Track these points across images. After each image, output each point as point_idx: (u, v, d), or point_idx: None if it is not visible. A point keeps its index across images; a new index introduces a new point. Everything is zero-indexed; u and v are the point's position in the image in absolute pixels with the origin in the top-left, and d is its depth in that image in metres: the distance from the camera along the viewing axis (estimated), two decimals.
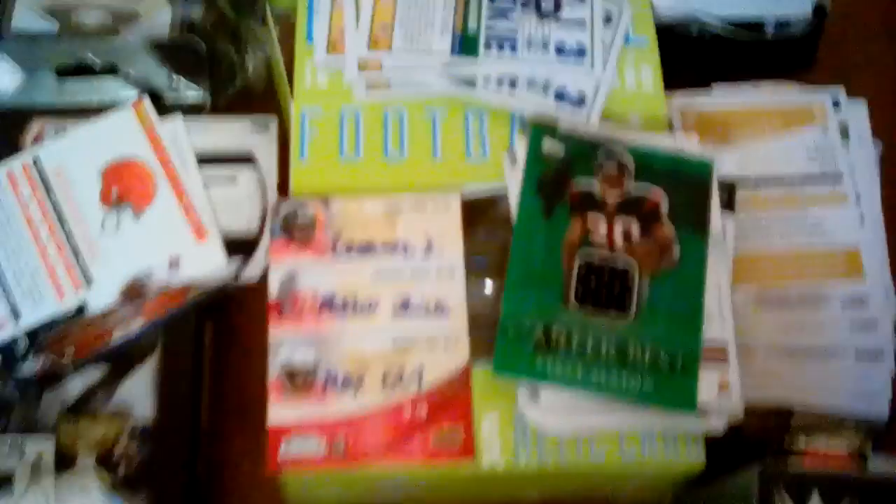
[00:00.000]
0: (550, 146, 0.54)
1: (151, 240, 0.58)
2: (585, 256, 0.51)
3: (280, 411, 0.50)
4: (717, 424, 0.50)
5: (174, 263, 0.58)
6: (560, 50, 0.57)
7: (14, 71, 0.62)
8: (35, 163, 0.59)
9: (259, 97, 0.63)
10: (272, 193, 0.59)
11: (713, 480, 0.51)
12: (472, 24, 0.57)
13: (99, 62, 0.61)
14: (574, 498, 0.55)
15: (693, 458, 0.50)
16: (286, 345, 0.51)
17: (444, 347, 0.51)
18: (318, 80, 0.57)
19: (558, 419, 0.49)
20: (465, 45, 0.57)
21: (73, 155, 0.60)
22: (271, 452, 0.49)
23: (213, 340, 0.59)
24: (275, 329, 0.51)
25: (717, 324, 0.51)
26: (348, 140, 0.55)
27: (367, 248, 0.53)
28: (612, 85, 0.57)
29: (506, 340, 0.50)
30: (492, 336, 0.50)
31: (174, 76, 0.61)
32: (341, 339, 0.51)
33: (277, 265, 0.52)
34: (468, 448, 0.50)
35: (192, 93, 0.62)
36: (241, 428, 0.59)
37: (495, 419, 0.50)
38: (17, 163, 0.60)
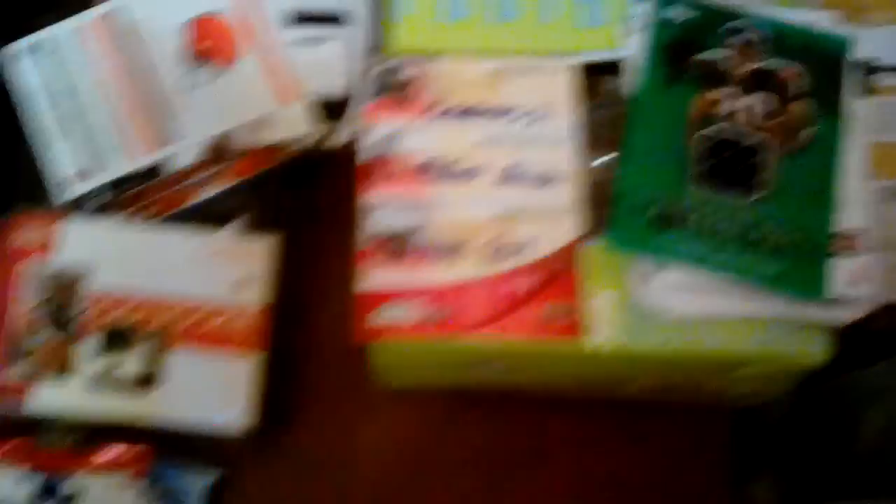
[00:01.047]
0: (678, 12, 0.50)
1: (234, 100, 0.56)
2: (711, 131, 0.48)
3: (373, 277, 0.47)
4: (845, 316, 0.47)
5: (257, 125, 0.55)
6: None
7: None
8: (109, 17, 0.57)
9: None
10: (365, 55, 0.56)
11: (835, 376, 0.48)
12: None
13: None
14: (682, 391, 0.52)
15: (818, 349, 0.47)
16: (380, 209, 0.48)
17: (551, 220, 0.48)
18: None
19: (675, 299, 0.47)
20: None
21: (153, 9, 0.57)
22: (362, 320, 0.47)
23: (294, 209, 0.57)
24: (368, 193, 0.49)
25: (851, 211, 0.48)
26: (454, 2, 0.52)
27: (470, 112, 0.50)
28: None
29: (622, 215, 0.47)
30: (603, 211, 0.48)
31: None
32: (440, 206, 0.48)
33: (372, 126, 0.50)
34: (576, 326, 0.47)
35: None
36: (322, 302, 0.57)
37: (606, 297, 0.47)
38: (88, 19, 0.57)
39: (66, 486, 0.54)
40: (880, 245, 0.48)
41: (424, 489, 0.56)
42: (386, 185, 0.49)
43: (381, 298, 0.47)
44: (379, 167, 0.49)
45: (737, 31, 0.50)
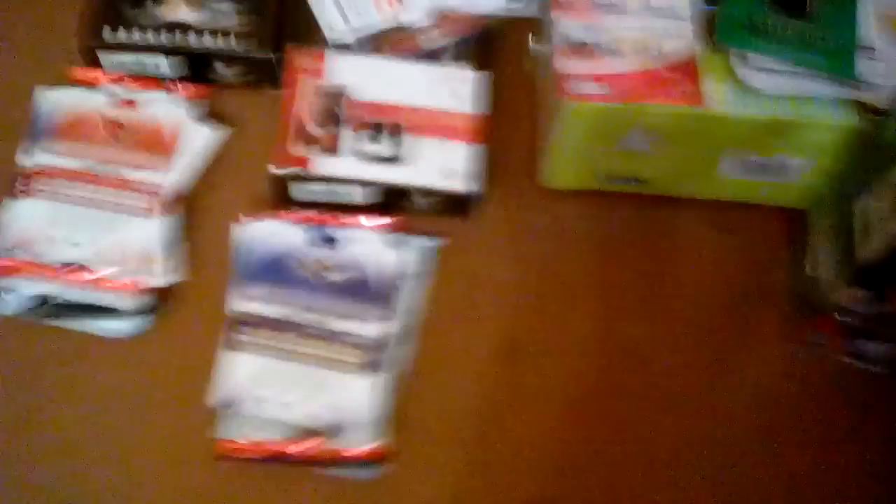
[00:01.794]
0: None
1: None
2: None
3: (565, 63, 0.74)
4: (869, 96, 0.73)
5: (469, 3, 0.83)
6: None
7: None
8: None
9: None
10: None
11: None
12: None
13: None
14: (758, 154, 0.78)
15: (851, 119, 0.73)
16: (566, 26, 0.76)
17: (677, 34, 0.75)
18: None
19: (760, 79, 0.73)
20: None
21: None
22: (561, 91, 0.73)
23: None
24: (556, 13, 0.76)
25: (866, 30, 0.75)
26: None
27: None
28: None
29: (725, 26, 0.74)
30: (711, 28, 0.75)
31: None
32: (606, 27, 0.75)
33: None
34: (699, 97, 0.74)
35: None
36: (513, 119, 0.83)
37: (718, 79, 0.74)
38: None
39: (336, 233, 0.79)
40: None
41: None
42: (568, 10, 0.76)
43: (571, 77, 0.74)
44: (561, 5, 0.76)
45: None
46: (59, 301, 0.77)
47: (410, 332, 0.76)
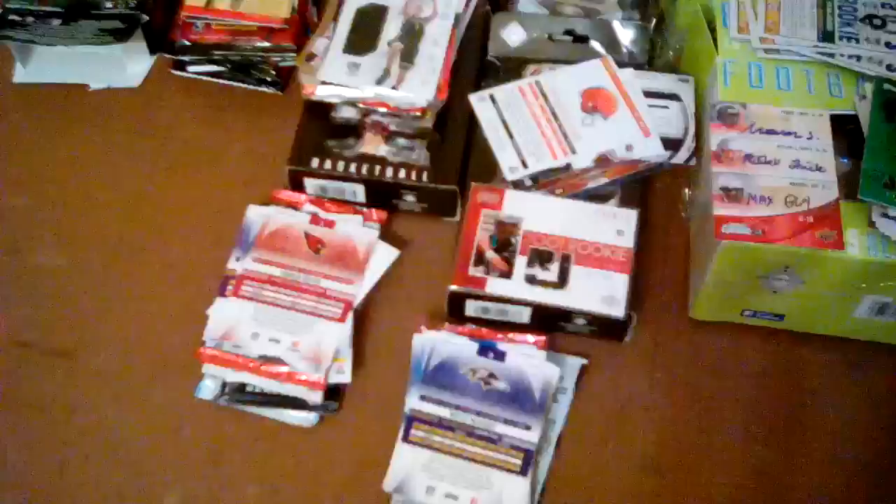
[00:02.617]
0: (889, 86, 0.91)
1: (614, 133, 0.96)
2: None
3: (721, 208, 0.85)
4: None
5: (629, 148, 0.95)
6: (889, 45, 0.95)
7: (521, 35, 1.02)
8: (537, 83, 0.99)
9: (673, 70, 1.02)
10: (692, 116, 0.96)
11: None
12: (829, 26, 0.96)
13: (578, 32, 1.02)
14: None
15: None
16: (722, 176, 0.87)
17: (822, 186, 0.86)
18: (734, 47, 0.95)
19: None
20: (826, 36, 0.95)
21: (564, 82, 0.98)
22: (719, 230, 0.84)
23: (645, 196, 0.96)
24: (716, 167, 0.88)
25: None
26: (754, 78, 0.93)
27: (770, 132, 0.89)
28: None
29: (867, 181, 0.85)
30: (853, 182, 0.86)
31: (625, 46, 1.01)
32: (757, 177, 0.87)
33: (714, 134, 0.89)
34: (839, 243, 0.84)
35: (632, 57, 1.01)
36: (661, 255, 0.95)
37: (857, 228, 0.84)
38: (524, 83, 0.99)
39: (503, 347, 0.90)
40: None
41: None
42: (724, 164, 0.87)
43: (727, 219, 0.85)
44: (720, 155, 0.88)
45: None
46: (255, 390, 0.88)
47: (560, 442, 0.85)
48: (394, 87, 0.95)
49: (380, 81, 0.95)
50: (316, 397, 0.87)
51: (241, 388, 0.89)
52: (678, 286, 0.93)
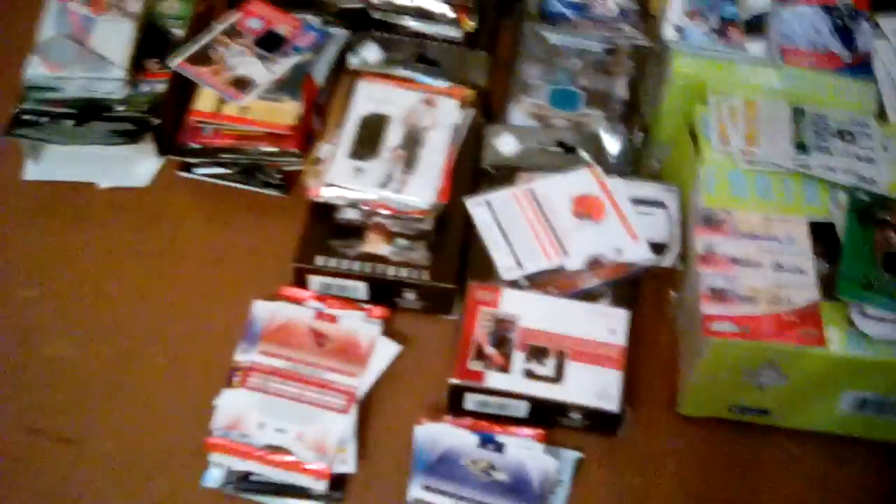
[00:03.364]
0: (862, 194, 0.99)
1: (604, 237, 1.03)
2: (887, 248, 0.95)
3: (709, 308, 0.92)
4: None
5: (618, 251, 1.02)
6: (859, 157, 1.04)
7: (514, 145, 1.10)
8: (530, 190, 1.06)
9: (657, 178, 1.10)
10: (677, 223, 1.04)
11: None
12: (804, 140, 1.04)
13: (568, 143, 1.10)
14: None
15: None
16: (709, 277, 0.94)
17: (802, 287, 0.93)
18: (716, 157, 1.03)
19: (872, 327, 0.91)
20: (800, 148, 1.04)
21: (555, 188, 1.06)
22: (707, 328, 0.91)
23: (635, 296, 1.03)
24: (703, 269, 0.94)
25: None
26: (736, 187, 1.01)
27: (755, 237, 0.97)
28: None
29: (844, 282, 0.92)
30: (832, 283, 0.93)
31: (612, 157, 1.09)
32: (741, 278, 0.94)
33: (700, 238, 0.97)
34: (821, 340, 0.91)
35: (618, 166, 1.09)
36: (651, 347, 1.01)
37: (837, 326, 0.91)
38: (517, 189, 1.06)
39: (498, 439, 0.95)
40: None
41: None
42: (710, 266, 0.95)
43: (714, 318, 0.91)
44: (708, 258, 0.95)
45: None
46: (260, 479, 0.92)
47: None
48: (397, 191, 1.01)
49: (383, 185, 1.02)
50: (321, 486, 0.91)
51: (246, 476, 0.92)
52: (666, 383, 0.99)
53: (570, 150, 1.09)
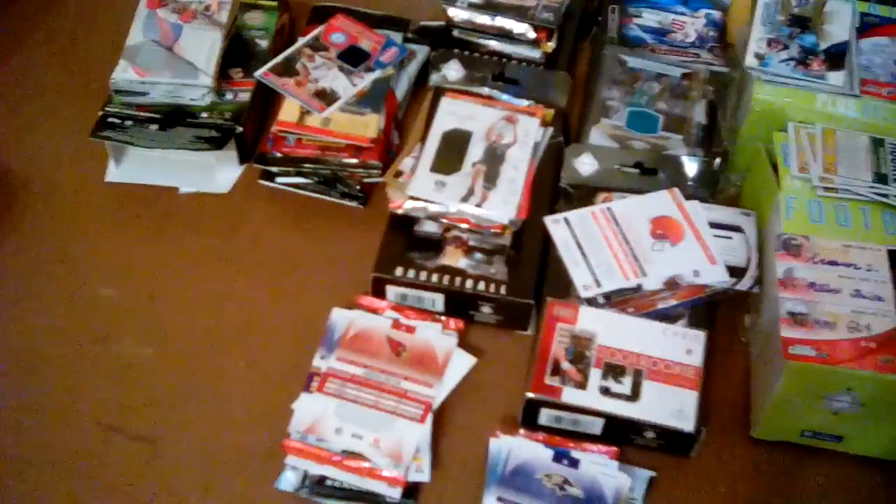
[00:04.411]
0: None
1: (682, 259, 1.05)
2: None
3: (788, 332, 0.94)
4: None
5: (696, 273, 1.05)
6: None
7: (593, 165, 1.13)
8: (609, 209, 1.09)
9: (734, 203, 1.13)
10: (754, 247, 1.07)
11: None
12: (882, 169, 1.07)
13: (647, 165, 1.13)
14: None
15: None
16: (788, 301, 0.97)
17: (882, 314, 0.96)
18: (795, 184, 1.06)
19: None
20: (879, 178, 1.06)
21: (634, 209, 1.09)
22: (786, 351, 0.93)
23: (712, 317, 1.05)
24: (783, 293, 0.97)
25: None
26: (815, 213, 1.04)
27: (834, 263, 0.99)
28: None
29: None
30: None
31: (691, 180, 1.12)
32: (820, 304, 0.96)
33: (780, 263, 0.99)
34: None
35: (697, 190, 1.12)
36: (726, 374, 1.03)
37: None
38: (596, 209, 1.09)
39: (573, 454, 0.97)
40: None
41: None
42: (790, 290, 0.97)
43: (794, 342, 0.94)
44: (787, 282, 0.98)
45: None
46: (335, 484, 0.95)
47: None
48: (477, 205, 1.05)
49: (464, 199, 1.05)
50: (395, 493, 0.93)
51: (321, 480, 0.95)
52: (739, 406, 1.01)
53: (647, 171, 1.12)
